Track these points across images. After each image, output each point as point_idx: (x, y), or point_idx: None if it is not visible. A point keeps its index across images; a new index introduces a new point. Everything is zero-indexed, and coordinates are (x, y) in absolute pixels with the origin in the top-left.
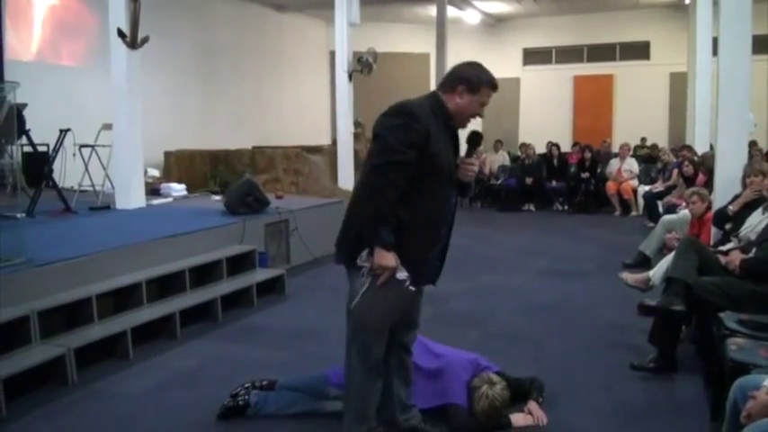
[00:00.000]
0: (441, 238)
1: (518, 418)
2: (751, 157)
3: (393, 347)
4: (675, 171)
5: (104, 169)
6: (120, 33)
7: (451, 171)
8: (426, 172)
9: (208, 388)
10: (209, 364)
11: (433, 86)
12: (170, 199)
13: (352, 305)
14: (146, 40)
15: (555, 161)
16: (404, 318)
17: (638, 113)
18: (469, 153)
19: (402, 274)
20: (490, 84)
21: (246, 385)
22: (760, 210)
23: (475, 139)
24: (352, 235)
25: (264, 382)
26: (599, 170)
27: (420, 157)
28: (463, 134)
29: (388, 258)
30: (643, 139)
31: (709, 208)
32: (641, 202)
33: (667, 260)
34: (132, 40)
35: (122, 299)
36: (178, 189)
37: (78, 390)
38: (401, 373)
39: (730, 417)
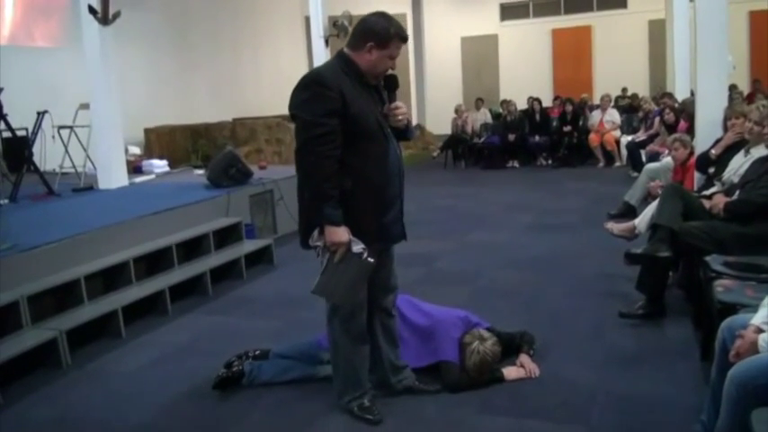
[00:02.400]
0: (395, 195)
1: (510, 372)
2: (731, 99)
3: (374, 312)
4: (657, 119)
5: (85, 150)
6: (91, 10)
7: (381, 125)
8: (355, 134)
9: (202, 360)
10: (201, 337)
11: (411, 47)
12: (152, 176)
13: (312, 287)
14: (117, 15)
15: (537, 116)
16: (379, 283)
17: (617, 63)
18: (391, 98)
19: (358, 247)
20: (399, 36)
21: (240, 355)
22: (742, 152)
23: (390, 83)
24: (304, 218)
25: (258, 352)
26: (581, 123)
27: (343, 122)
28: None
29: (338, 234)
30: (624, 89)
31: (691, 154)
32: (624, 152)
33: (652, 208)
34: (104, 16)
35: (111, 278)
36: (160, 165)
37: (73, 371)
38: (386, 336)
39: (719, 356)
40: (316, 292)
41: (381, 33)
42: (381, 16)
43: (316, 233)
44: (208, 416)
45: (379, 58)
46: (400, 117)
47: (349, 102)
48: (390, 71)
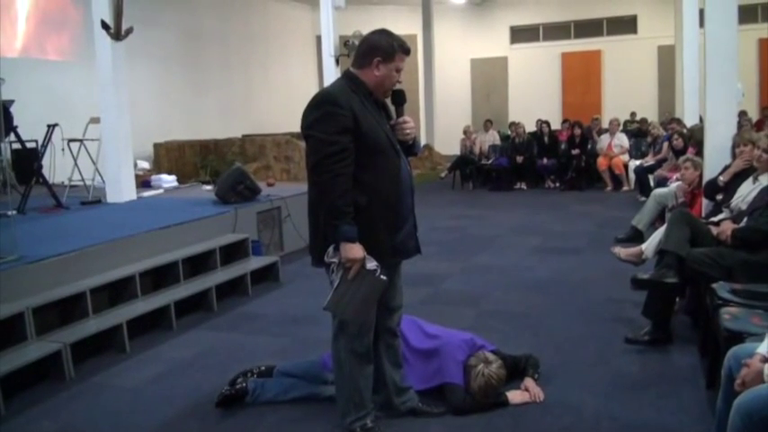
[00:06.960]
0: (408, 210)
1: (515, 396)
2: (740, 126)
3: (379, 333)
4: (666, 144)
5: (94, 163)
6: (104, 25)
7: (392, 141)
8: (367, 151)
9: (205, 377)
10: (205, 353)
11: (421, 68)
12: (161, 191)
13: (325, 303)
14: (130, 30)
15: (545, 139)
16: (385, 303)
17: (626, 88)
18: (399, 113)
19: (371, 264)
20: (402, 48)
21: (244, 372)
22: (750, 179)
23: (398, 98)
24: (319, 237)
25: (262, 369)
26: (589, 146)
27: (355, 140)
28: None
29: (354, 251)
30: (632, 114)
31: (701, 177)
32: (632, 176)
33: (659, 233)
34: (116, 32)
35: (117, 292)
36: (169, 180)
37: (76, 384)
38: (390, 357)
39: (725, 385)
40: (328, 308)
41: (386, 47)
42: (383, 32)
43: (331, 249)
44: None
45: (386, 73)
46: (408, 131)
47: (360, 119)
48: (398, 86)
